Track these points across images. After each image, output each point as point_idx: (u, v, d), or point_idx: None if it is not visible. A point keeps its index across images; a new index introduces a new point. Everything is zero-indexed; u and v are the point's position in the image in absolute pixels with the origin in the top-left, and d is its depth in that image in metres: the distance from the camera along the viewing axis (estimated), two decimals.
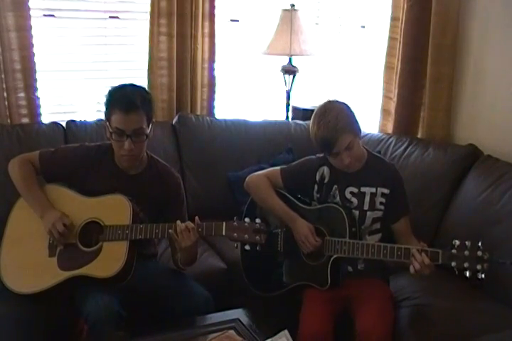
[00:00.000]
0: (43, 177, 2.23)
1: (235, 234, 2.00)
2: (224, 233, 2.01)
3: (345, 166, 2.13)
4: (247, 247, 2.08)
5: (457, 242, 1.85)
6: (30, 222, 2.14)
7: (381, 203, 2.17)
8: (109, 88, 2.13)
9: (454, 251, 1.85)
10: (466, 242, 1.84)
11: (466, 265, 1.82)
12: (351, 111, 2.13)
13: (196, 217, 2.05)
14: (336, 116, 2.06)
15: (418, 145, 2.82)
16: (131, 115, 2.04)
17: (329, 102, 2.13)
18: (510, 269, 1.92)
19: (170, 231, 2.02)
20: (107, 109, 2.10)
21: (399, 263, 2.04)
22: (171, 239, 2.10)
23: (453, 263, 1.84)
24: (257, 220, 2.02)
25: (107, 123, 2.10)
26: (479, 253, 1.81)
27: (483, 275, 1.80)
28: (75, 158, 2.21)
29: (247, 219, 2.03)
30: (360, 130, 2.14)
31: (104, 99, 2.12)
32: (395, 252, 1.96)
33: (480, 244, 1.83)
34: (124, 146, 2.05)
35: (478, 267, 1.80)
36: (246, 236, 2.00)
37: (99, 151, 2.22)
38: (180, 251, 2.10)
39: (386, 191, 2.16)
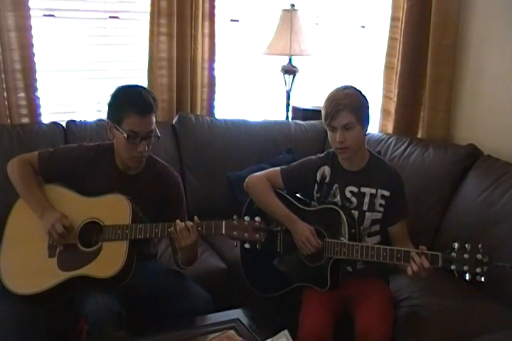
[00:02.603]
0: (42, 178, 2.23)
1: (235, 233, 2.00)
2: (224, 232, 2.01)
3: (337, 145, 2.11)
4: (246, 246, 2.07)
5: (457, 245, 1.85)
6: (29, 222, 2.14)
7: (381, 205, 2.17)
8: (117, 90, 2.10)
9: (453, 254, 1.84)
10: (466, 245, 1.83)
11: (465, 268, 1.81)
12: (365, 101, 2.14)
13: (195, 217, 2.05)
14: (347, 94, 2.10)
15: (418, 146, 2.82)
16: (147, 117, 2.04)
17: (351, 85, 2.16)
18: (510, 272, 1.91)
19: (170, 229, 2.02)
20: (118, 111, 2.06)
21: (398, 266, 2.04)
22: (171, 239, 2.10)
23: (452, 266, 1.84)
24: (257, 218, 2.02)
25: (114, 124, 2.07)
26: (479, 256, 1.80)
27: (482, 279, 1.79)
28: (73, 158, 2.20)
29: (246, 218, 2.02)
30: (366, 123, 2.14)
31: (111, 101, 2.10)
32: (395, 255, 1.95)
33: (480, 247, 1.82)
34: (138, 149, 2.05)
35: (478, 270, 1.79)
36: (246, 234, 1.99)
37: (98, 151, 2.22)
38: (180, 250, 2.10)
39: (386, 193, 2.16)
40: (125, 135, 2.04)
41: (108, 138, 2.15)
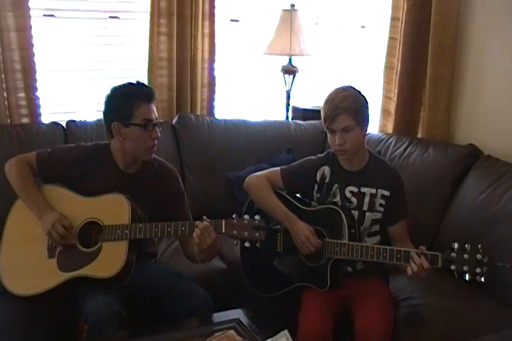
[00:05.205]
0: (40, 178, 2.22)
1: (235, 232, 2.00)
2: (223, 230, 2.01)
3: (336, 147, 2.12)
4: (246, 244, 2.05)
5: (457, 245, 1.85)
6: (28, 223, 2.14)
7: (381, 205, 2.17)
8: (113, 91, 2.11)
9: (453, 254, 1.85)
10: (466, 245, 1.84)
11: (465, 268, 1.81)
12: (365, 102, 2.13)
13: (204, 217, 2.04)
14: (345, 96, 2.08)
15: (418, 145, 2.82)
16: (153, 104, 2.12)
17: (350, 86, 2.15)
18: (510, 272, 1.91)
19: (183, 229, 2.02)
20: (125, 107, 2.07)
21: (398, 266, 2.04)
22: (179, 237, 2.11)
23: (452, 267, 1.84)
24: (256, 217, 2.02)
25: (123, 123, 2.07)
26: (479, 256, 1.80)
27: (482, 279, 1.80)
28: (71, 158, 2.20)
29: (246, 216, 2.02)
30: (366, 123, 2.14)
31: (113, 103, 2.10)
32: (395, 255, 1.96)
33: (480, 247, 1.82)
34: (153, 135, 2.10)
35: (478, 270, 1.79)
36: (246, 233, 1.99)
37: (96, 151, 2.21)
38: (203, 252, 2.07)
39: (386, 193, 2.16)
40: (141, 124, 2.07)
41: (118, 140, 2.12)
